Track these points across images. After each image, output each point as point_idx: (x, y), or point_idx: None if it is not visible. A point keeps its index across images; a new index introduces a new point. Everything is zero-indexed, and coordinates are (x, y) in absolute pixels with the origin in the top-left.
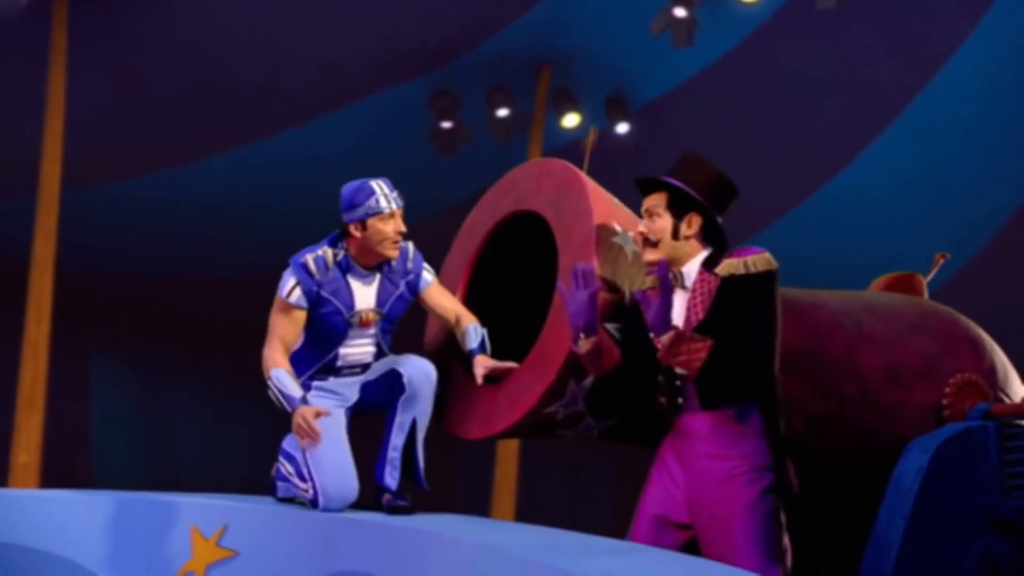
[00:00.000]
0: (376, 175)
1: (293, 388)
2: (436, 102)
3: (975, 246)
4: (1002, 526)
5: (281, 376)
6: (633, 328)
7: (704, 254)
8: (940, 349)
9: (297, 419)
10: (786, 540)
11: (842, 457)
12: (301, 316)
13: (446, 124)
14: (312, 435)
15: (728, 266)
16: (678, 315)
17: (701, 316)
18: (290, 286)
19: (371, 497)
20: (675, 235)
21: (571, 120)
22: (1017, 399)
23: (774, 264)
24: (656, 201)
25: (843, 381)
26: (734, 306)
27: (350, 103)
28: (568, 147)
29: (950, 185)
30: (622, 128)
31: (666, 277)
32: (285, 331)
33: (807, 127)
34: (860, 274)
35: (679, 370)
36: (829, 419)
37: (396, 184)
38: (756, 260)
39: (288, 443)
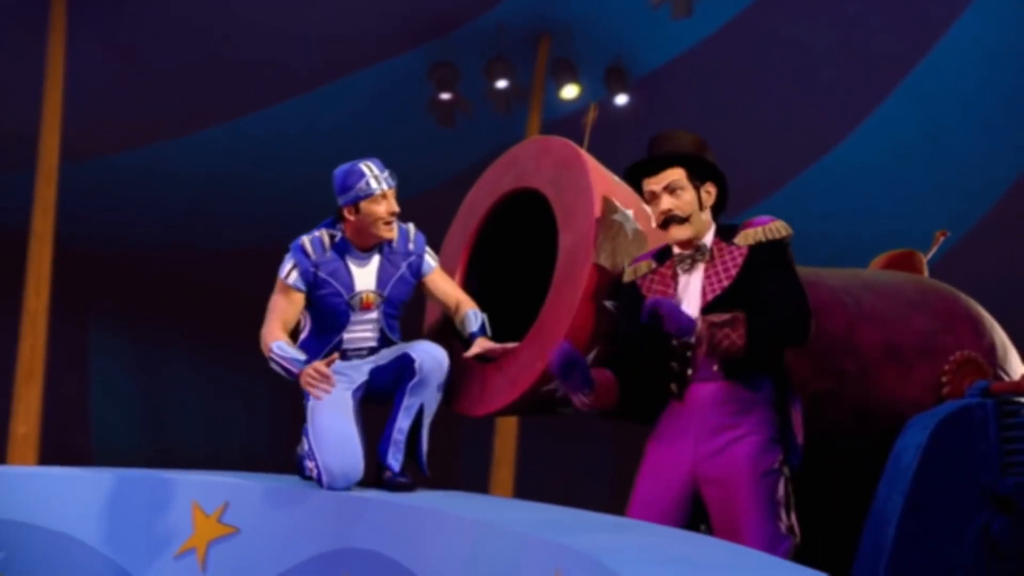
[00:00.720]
0: (375, 146)
1: (296, 353)
2: (435, 73)
3: (974, 217)
4: (1001, 503)
5: (282, 346)
6: (631, 308)
7: (714, 223)
8: (940, 327)
9: (306, 375)
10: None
11: (841, 434)
12: (299, 299)
13: (445, 95)
14: (326, 381)
15: (749, 236)
16: (695, 289)
17: (725, 284)
18: (288, 268)
19: (372, 475)
20: (700, 206)
21: (570, 91)
22: (1016, 376)
23: (790, 229)
24: (677, 175)
25: (843, 358)
26: (762, 271)
27: (349, 74)
28: (568, 118)
29: (949, 156)
30: (621, 99)
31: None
32: (284, 312)
33: (806, 98)
34: (859, 244)
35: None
36: (829, 396)
37: (396, 156)
38: (777, 226)
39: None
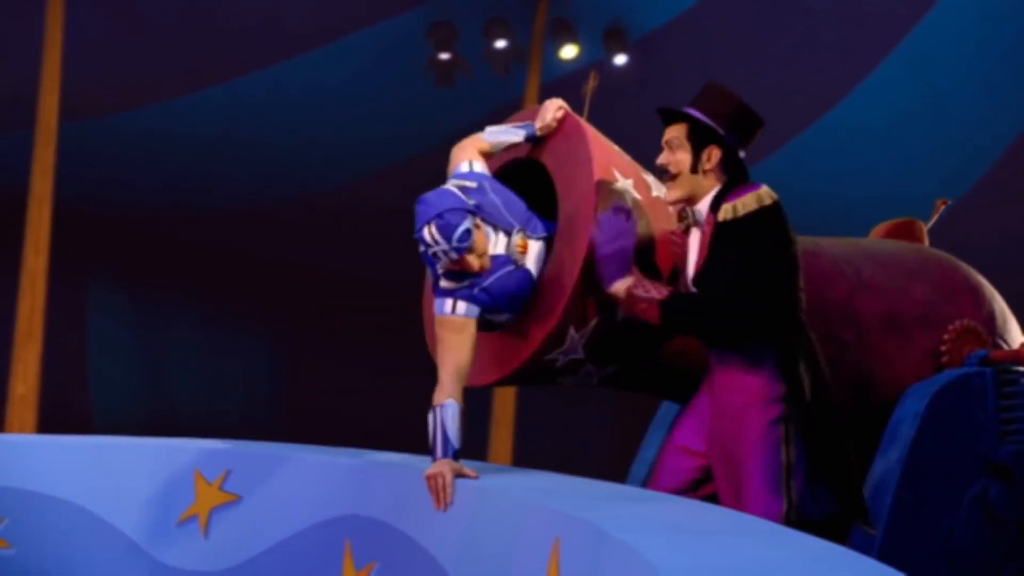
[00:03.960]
0: (375, 107)
1: (456, 434)
2: (434, 33)
3: (973, 178)
4: (998, 470)
5: (454, 412)
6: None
7: (716, 190)
8: (940, 296)
9: (440, 473)
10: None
11: (841, 403)
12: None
13: (444, 55)
14: (445, 498)
15: (724, 211)
16: (693, 255)
17: (701, 260)
18: (449, 305)
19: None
20: (694, 168)
21: (569, 52)
22: (1015, 345)
23: (766, 200)
24: (676, 132)
25: (842, 328)
26: (720, 252)
27: (348, 34)
28: (566, 79)
29: (948, 117)
30: (620, 60)
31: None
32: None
33: (805, 58)
34: (858, 205)
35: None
36: (828, 365)
37: (395, 116)
38: (745, 201)
39: None
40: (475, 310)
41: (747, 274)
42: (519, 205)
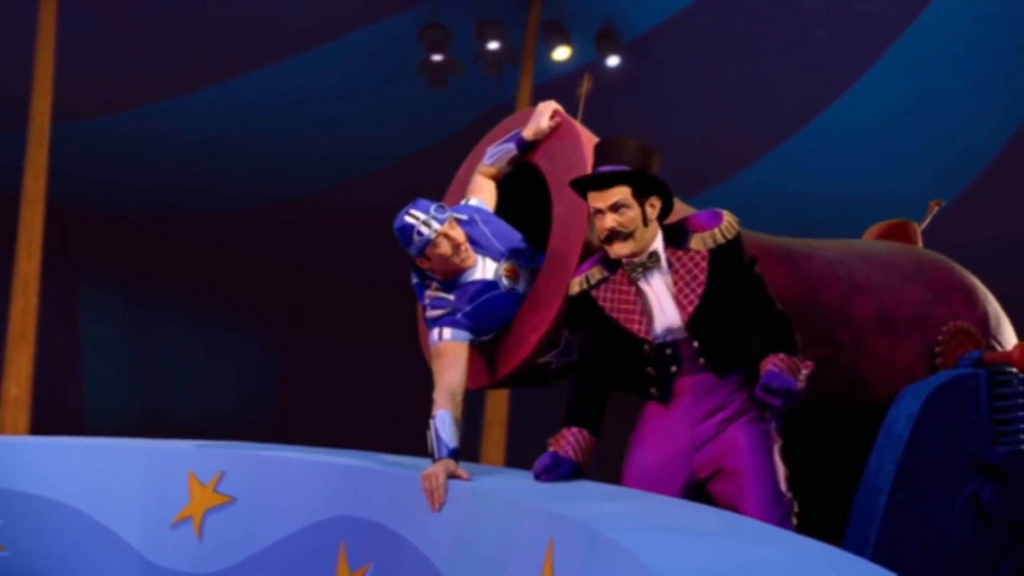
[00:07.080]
0: (368, 107)
1: (451, 437)
2: (427, 34)
3: (967, 178)
4: (991, 471)
5: (445, 418)
6: (591, 320)
7: (659, 230)
8: (933, 297)
9: (434, 473)
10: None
11: (835, 404)
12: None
13: (436, 57)
14: (437, 497)
15: (707, 239)
16: (666, 300)
17: (700, 292)
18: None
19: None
20: (645, 222)
21: (562, 53)
22: (1009, 347)
23: (737, 218)
24: (622, 194)
25: (837, 329)
26: (727, 275)
27: (341, 35)
28: (559, 80)
29: (941, 117)
30: (612, 61)
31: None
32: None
33: (798, 59)
34: (852, 205)
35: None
36: (822, 366)
37: (388, 117)
38: (730, 223)
39: None
40: (462, 335)
41: (768, 290)
42: (513, 236)
